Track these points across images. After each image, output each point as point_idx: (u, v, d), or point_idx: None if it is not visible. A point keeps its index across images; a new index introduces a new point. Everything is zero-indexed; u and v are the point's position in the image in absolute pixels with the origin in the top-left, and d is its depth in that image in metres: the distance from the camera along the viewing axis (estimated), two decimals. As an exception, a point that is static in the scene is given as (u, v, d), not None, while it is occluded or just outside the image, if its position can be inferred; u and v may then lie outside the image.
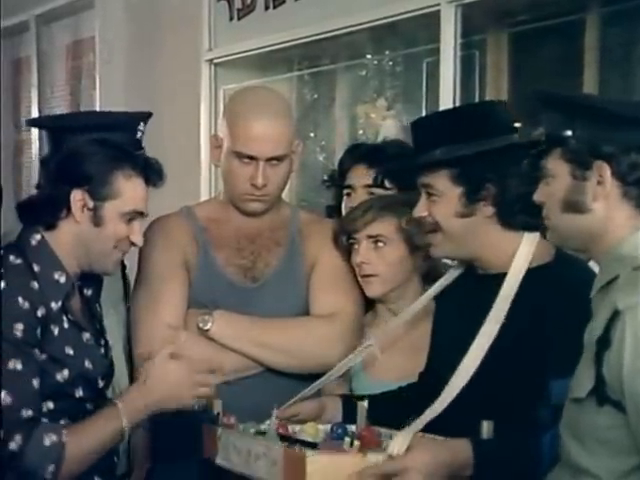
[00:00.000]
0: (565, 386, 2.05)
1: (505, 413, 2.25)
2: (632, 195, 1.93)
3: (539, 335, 2.27)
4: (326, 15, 4.67)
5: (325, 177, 3.46)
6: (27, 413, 2.26)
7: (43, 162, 2.66)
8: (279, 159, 2.75)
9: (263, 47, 5.13)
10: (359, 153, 3.26)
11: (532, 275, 2.36)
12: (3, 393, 2.23)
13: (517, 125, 2.45)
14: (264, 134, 2.72)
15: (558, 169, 1.99)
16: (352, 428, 2.35)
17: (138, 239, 2.46)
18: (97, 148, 2.42)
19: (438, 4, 4.15)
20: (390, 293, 2.76)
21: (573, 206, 1.97)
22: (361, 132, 5.25)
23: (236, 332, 2.71)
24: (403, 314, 2.66)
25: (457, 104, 4.11)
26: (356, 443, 2.25)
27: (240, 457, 2.33)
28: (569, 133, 1.97)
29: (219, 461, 2.41)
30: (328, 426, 2.37)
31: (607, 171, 1.92)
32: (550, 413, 2.16)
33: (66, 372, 2.37)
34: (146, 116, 2.78)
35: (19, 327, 2.28)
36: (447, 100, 4.13)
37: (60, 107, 6.99)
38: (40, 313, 2.32)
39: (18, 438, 2.23)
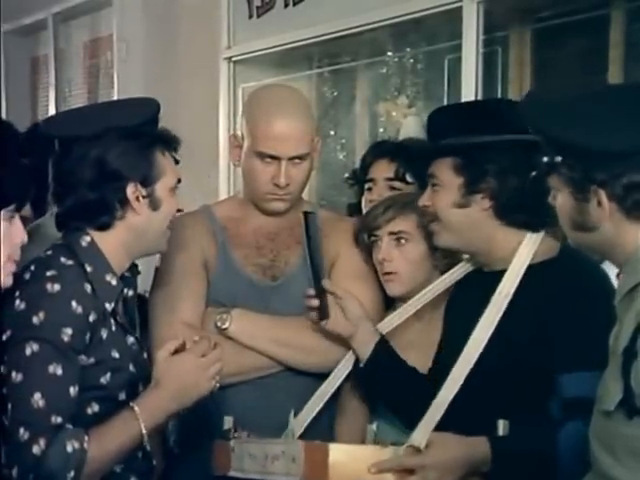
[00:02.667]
0: (576, 379, 2.03)
1: (516, 408, 2.28)
2: (636, 215, 1.87)
3: (547, 329, 2.28)
4: (346, 12, 4.65)
5: (347, 175, 3.45)
6: (56, 420, 2.24)
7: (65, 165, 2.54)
8: (301, 158, 2.73)
9: (282, 45, 5.12)
10: (382, 148, 3.27)
11: (538, 270, 2.38)
12: (37, 395, 2.22)
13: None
14: (286, 133, 2.70)
15: (560, 189, 1.95)
16: None
17: (181, 205, 2.51)
18: (129, 139, 2.41)
19: (460, 0, 4.11)
20: (411, 292, 2.72)
21: (580, 225, 1.94)
22: (382, 130, 5.24)
23: (254, 331, 2.69)
24: (400, 311, 2.67)
25: (479, 102, 4.07)
26: None
27: (256, 463, 2.33)
28: (559, 159, 1.93)
29: (232, 472, 2.40)
30: None
31: (603, 196, 1.87)
32: (562, 407, 2.20)
33: (109, 375, 2.37)
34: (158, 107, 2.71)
35: (67, 332, 2.27)
36: (469, 98, 4.10)
37: (77, 105, 6.96)
38: (92, 318, 2.32)
39: (42, 442, 2.21)
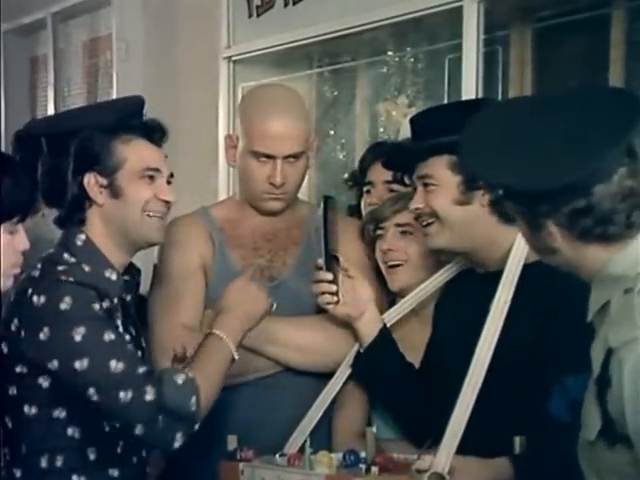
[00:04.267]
0: (583, 380, 2.02)
1: (528, 413, 2.27)
2: (590, 239, 1.84)
3: (551, 330, 2.27)
4: (346, 11, 4.64)
5: (346, 176, 3.44)
6: (143, 369, 2.31)
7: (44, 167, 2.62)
8: (296, 156, 2.73)
9: (282, 44, 5.10)
10: (380, 150, 3.25)
11: (533, 270, 2.37)
12: (113, 363, 2.27)
13: None
14: (281, 132, 2.70)
15: (515, 215, 1.94)
16: (362, 454, 2.34)
17: (168, 196, 2.47)
18: (88, 131, 2.44)
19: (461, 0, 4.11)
20: (412, 288, 2.70)
21: (540, 250, 1.93)
22: (382, 130, 5.22)
23: (253, 331, 2.64)
24: (398, 306, 2.67)
25: (480, 101, 4.06)
26: (374, 469, 2.26)
27: None
28: (500, 193, 1.95)
29: None
30: (340, 454, 2.36)
31: (550, 225, 1.85)
32: (570, 408, 2.16)
33: None
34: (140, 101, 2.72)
35: (96, 307, 2.32)
36: (469, 97, 4.08)
37: (77, 105, 6.95)
38: (101, 313, 2.35)
39: (150, 388, 2.27)
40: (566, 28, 4.26)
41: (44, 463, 2.35)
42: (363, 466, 2.29)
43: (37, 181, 2.46)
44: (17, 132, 2.70)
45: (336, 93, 5.52)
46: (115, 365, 2.27)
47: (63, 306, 2.28)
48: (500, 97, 4.41)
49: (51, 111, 7.08)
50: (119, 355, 2.28)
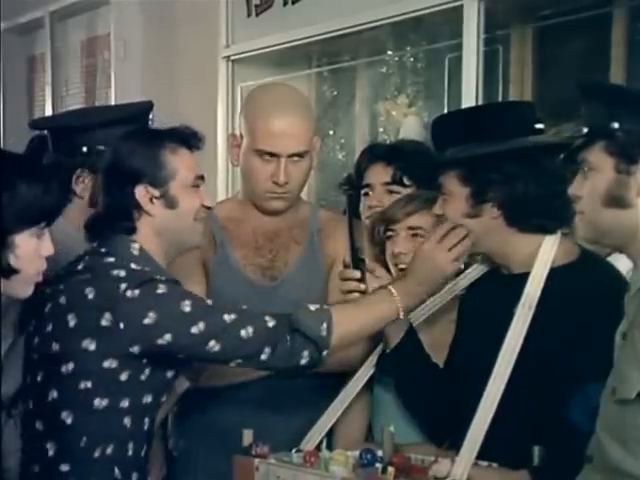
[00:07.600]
0: (603, 387, 2.00)
1: (543, 420, 2.25)
2: None
3: (574, 336, 2.24)
4: (345, 10, 4.65)
5: (342, 181, 3.40)
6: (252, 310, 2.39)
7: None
8: (300, 155, 2.73)
9: (281, 43, 5.11)
10: (376, 152, 3.22)
11: (559, 274, 2.34)
12: (226, 315, 2.33)
13: (539, 126, 2.42)
14: (286, 130, 2.69)
15: (601, 162, 1.94)
16: (379, 453, 2.31)
17: (209, 202, 2.52)
18: (134, 141, 2.46)
19: (461, -2, 4.10)
20: None
21: (615, 201, 1.93)
22: (382, 129, 5.22)
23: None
24: (417, 312, 2.61)
25: (480, 101, 4.08)
26: (390, 469, 2.21)
27: None
28: (616, 125, 1.91)
29: None
30: (357, 452, 2.32)
31: None
32: (590, 416, 2.12)
33: (172, 372, 2.45)
34: (151, 106, 2.76)
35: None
36: (469, 97, 4.09)
37: (75, 105, 6.96)
38: None
39: (269, 318, 2.35)
40: (567, 27, 4.26)
41: (97, 453, 2.34)
42: (379, 465, 2.26)
43: (65, 185, 2.46)
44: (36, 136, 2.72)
45: (335, 93, 5.52)
46: (228, 317, 2.32)
47: (160, 291, 2.31)
48: (500, 96, 4.41)
49: (49, 111, 7.09)
50: (227, 310, 2.34)
